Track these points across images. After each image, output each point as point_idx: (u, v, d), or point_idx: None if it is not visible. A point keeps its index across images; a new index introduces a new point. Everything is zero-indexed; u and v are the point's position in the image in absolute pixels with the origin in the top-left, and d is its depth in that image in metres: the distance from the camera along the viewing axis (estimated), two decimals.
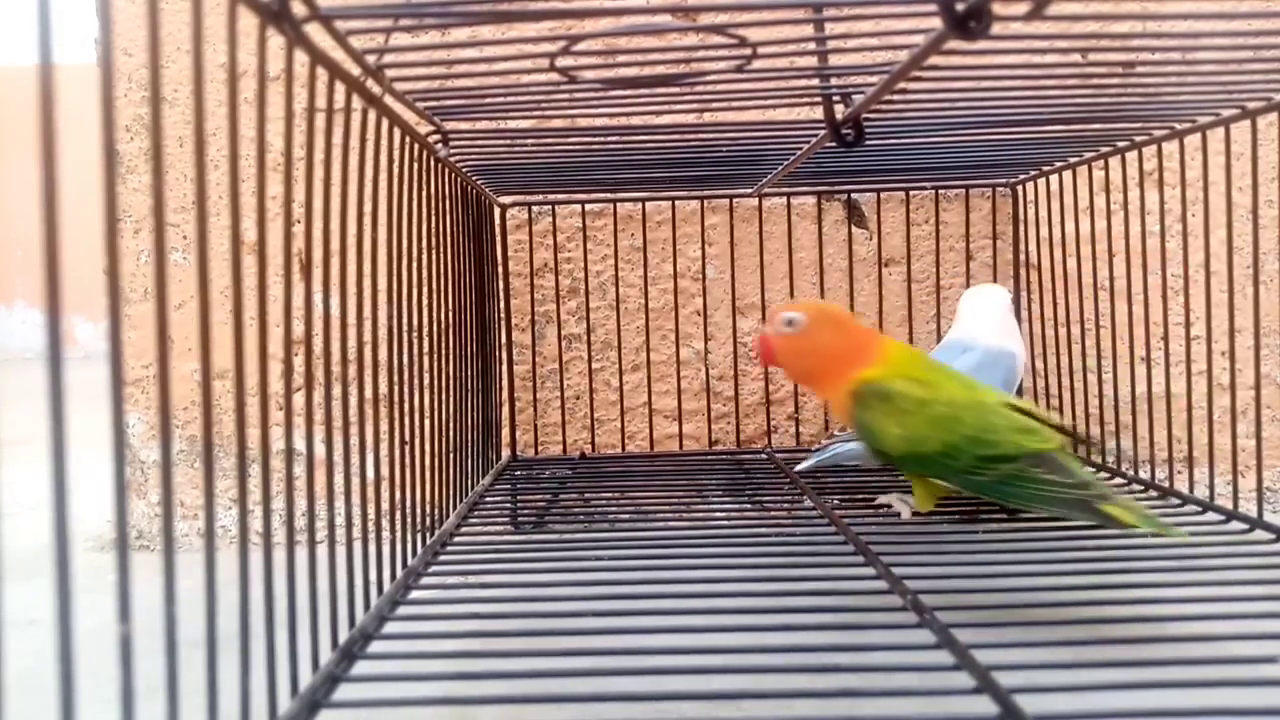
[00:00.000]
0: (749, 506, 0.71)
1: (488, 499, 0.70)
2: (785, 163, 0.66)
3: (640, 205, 0.84)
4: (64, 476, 0.22)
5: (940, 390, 0.55)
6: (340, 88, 0.41)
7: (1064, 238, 0.76)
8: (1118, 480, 0.69)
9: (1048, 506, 0.52)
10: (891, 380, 0.55)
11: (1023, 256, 0.84)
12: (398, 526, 0.51)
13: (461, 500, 0.67)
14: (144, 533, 0.80)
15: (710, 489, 0.71)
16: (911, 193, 0.83)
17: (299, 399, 0.77)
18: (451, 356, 0.65)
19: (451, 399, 0.65)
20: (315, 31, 0.36)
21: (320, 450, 0.78)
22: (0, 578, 0.69)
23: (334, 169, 0.41)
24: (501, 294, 0.83)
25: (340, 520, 0.42)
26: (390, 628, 0.43)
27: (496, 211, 0.83)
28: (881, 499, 0.66)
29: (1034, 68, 0.49)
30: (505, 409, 0.83)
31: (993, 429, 0.53)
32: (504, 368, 0.83)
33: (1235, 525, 0.57)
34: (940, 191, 0.83)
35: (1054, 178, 0.78)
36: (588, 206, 0.83)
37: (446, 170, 0.63)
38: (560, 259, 0.84)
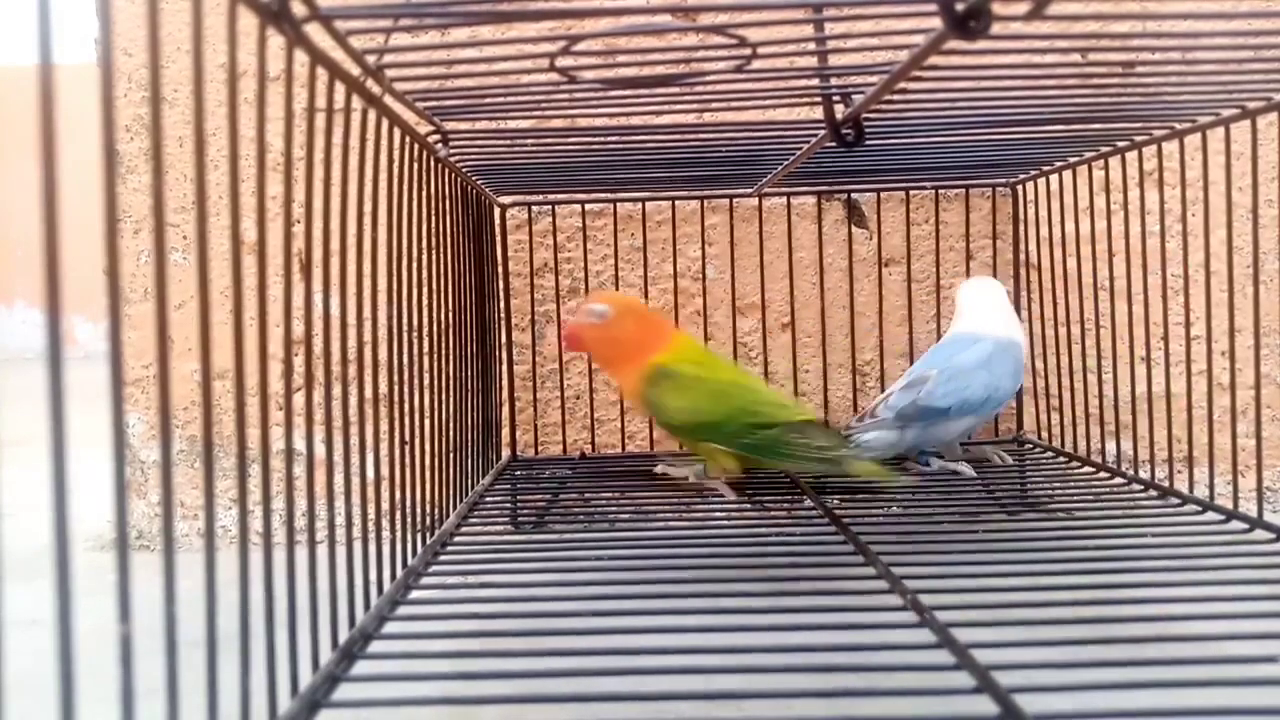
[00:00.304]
0: (749, 506, 0.71)
1: (488, 499, 0.70)
2: (785, 163, 0.66)
3: (640, 205, 0.84)
4: (64, 476, 0.22)
5: (715, 372, 0.67)
6: (340, 88, 0.41)
7: (1064, 237, 0.76)
8: (1117, 480, 0.69)
9: (799, 464, 0.64)
10: (677, 364, 0.67)
11: (1023, 256, 0.84)
12: (398, 526, 0.51)
13: (461, 500, 0.67)
14: (144, 533, 0.80)
15: (710, 488, 0.71)
16: (911, 192, 0.83)
17: (299, 399, 0.77)
18: (451, 356, 0.65)
19: (451, 399, 0.65)
20: (315, 31, 0.36)
21: (320, 450, 0.78)
22: (0, 578, 0.69)
23: (334, 169, 0.41)
24: (501, 294, 0.83)
25: (340, 520, 0.42)
26: (390, 628, 0.43)
27: (496, 211, 0.83)
28: (659, 468, 0.74)
29: (1034, 67, 0.49)
30: (505, 409, 0.83)
31: (758, 402, 0.65)
32: (504, 367, 0.83)
33: (1235, 525, 0.57)
34: (940, 191, 0.83)
35: (1054, 177, 0.78)
36: (588, 206, 0.83)
37: (446, 170, 0.63)
38: (560, 259, 0.84)
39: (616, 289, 0.84)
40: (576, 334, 0.69)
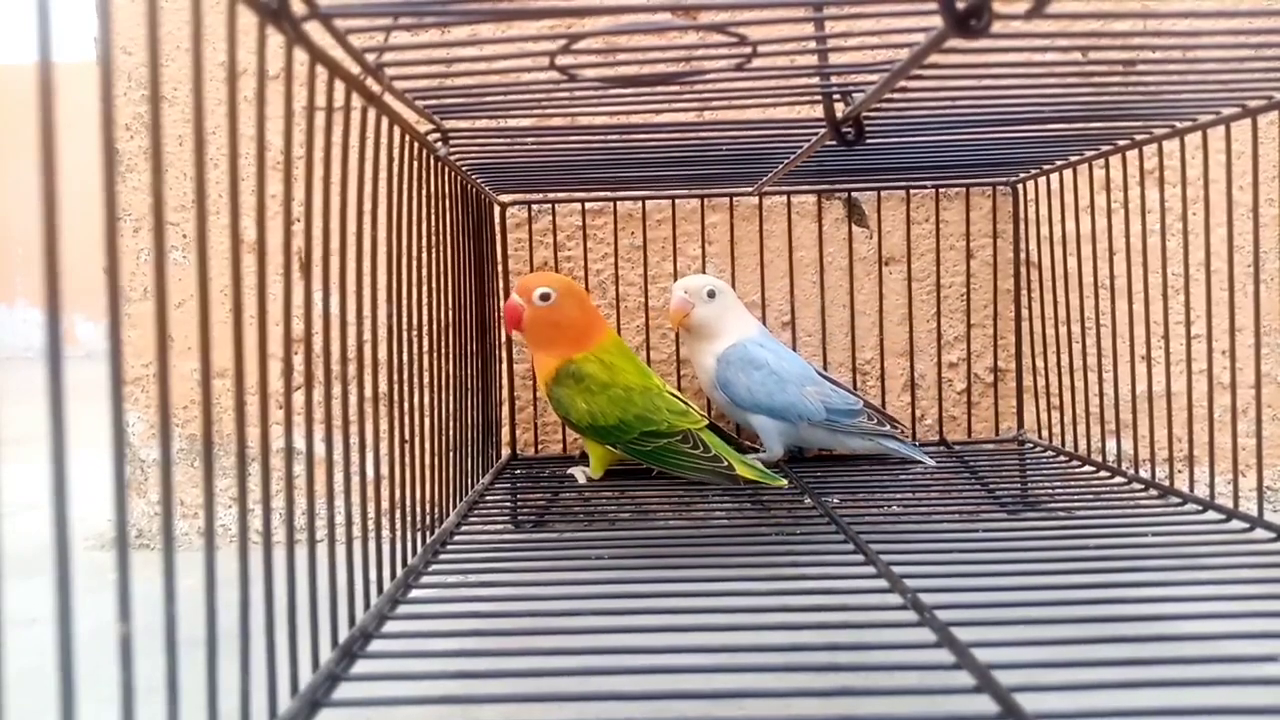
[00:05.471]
0: (749, 505, 0.71)
1: (488, 497, 0.70)
2: (785, 161, 0.66)
3: (640, 204, 0.84)
4: (64, 475, 0.22)
5: (621, 376, 0.69)
6: (340, 86, 0.41)
7: (1064, 236, 0.76)
8: (1118, 479, 0.69)
9: (686, 471, 0.68)
10: (586, 364, 0.69)
11: (1023, 255, 0.84)
12: (398, 525, 0.51)
13: (461, 499, 0.67)
14: (144, 531, 0.80)
15: (710, 488, 0.71)
16: (912, 191, 0.83)
17: (299, 398, 0.77)
18: (451, 355, 0.65)
19: (451, 397, 0.65)
20: (315, 30, 0.36)
21: (320, 449, 0.78)
22: (0, 577, 0.69)
23: (333, 167, 0.41)
24: (501, 293, 0.83)
25: (340, 519, 0.42)
26: (390, 627, 0.43)
27: (496, 210, 0.83)
28: (570, 470, 0.75)
29: (1035, 66, 0.49)
30: (505, 407, 0.83)
31: (655, 410, 0.68)
32: (504, 366, 0.83)
33: (1235, 524, 0.57)
34: (941, 190, 0.83)
35: (1054, 176, 0.78)
36: (588, 205, 0.83)
37: (446, 169, 0.63)
38: (560, 257, 0.84)
39: (617, 288, 0.84)
40: (517, 314, 0.70)
